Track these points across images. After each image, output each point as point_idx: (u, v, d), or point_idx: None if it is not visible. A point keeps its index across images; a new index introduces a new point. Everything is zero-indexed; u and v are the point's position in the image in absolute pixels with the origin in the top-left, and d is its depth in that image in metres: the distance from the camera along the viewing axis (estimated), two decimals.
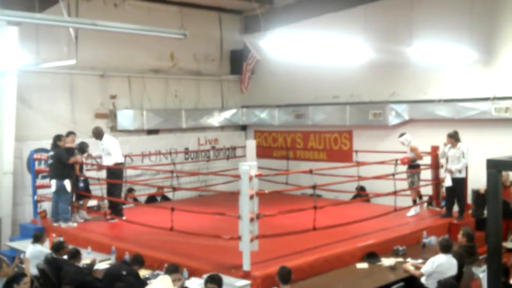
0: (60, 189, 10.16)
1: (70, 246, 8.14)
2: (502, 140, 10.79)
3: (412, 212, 10.47)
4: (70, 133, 10.86)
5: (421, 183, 10.69)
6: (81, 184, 10.69)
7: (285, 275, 6.53)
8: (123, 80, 13.56)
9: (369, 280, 7.51)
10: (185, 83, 14.83)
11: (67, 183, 10.17)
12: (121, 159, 10.79)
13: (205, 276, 6.86)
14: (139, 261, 7.55)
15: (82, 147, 10.75)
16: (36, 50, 11.43)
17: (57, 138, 10.39)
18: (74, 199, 10.60)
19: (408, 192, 10.51)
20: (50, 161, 10.33)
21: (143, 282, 7.16)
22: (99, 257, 8.51)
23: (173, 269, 6.86)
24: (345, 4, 12.78)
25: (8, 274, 7.42)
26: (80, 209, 10.83)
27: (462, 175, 10.01)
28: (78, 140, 11.02)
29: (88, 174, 11.19)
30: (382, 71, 12.81)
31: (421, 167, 10.64)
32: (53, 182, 10.20)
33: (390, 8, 12.48)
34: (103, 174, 11.14)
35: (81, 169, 10.74)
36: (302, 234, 8.24)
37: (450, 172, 9.97)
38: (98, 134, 10.62)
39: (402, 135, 10.64)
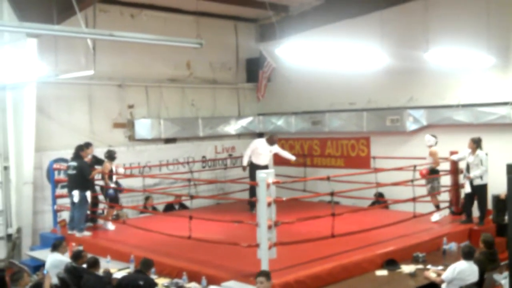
0: (82, 200, 10.26)
1: (89, 255, 8.20)
2: None
3: (436, 217, 10.37)
4: (89, 144, 10.79)
5: (441, 189, 10.57)
6: (111, 191, 10.67)
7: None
8: (141, 90, 13.67)
9: None
10: (202, 92, 14.91)
11: (89, 195, 10.30)
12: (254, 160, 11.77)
13: (223, 284, 6.88)
14: (150, 264, 7.57)
15: (112, 155, 10.78)
16: (54, 62, 11.56)
17: (80, 148, 10.45)
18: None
19: (427, 198, 10.40)
20: (71, 172, 10.34)
21: None
22: (118, 266, 8.56)
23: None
24: (361, 10, 12.76)
25: (28, 284, 7.47)
26: (103, 219, 10.88)
27: (483, 181, 9.89)
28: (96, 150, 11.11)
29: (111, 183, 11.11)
30: (399, 76, 12.74)
31: (441, 173, 10.54)
32: (76, 193, 10.25)
33: (406, 14, 12.42)
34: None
35: (110, 177, 10.69)
36: (321, 241, 8.22)
37: (469, 178, 9.88)
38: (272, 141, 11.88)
39: (432, 135, 10.54)
